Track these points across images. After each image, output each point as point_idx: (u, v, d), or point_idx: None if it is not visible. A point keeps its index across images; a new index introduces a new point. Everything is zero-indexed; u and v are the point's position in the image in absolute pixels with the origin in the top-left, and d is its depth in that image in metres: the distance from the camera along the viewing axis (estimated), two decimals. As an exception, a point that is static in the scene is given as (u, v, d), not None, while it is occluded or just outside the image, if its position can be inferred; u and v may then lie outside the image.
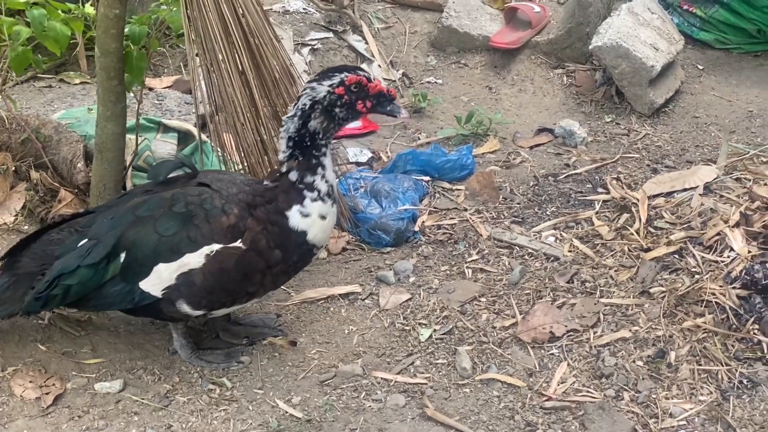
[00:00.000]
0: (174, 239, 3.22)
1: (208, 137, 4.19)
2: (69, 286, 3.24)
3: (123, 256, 3.23)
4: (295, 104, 3.26)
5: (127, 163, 4.20)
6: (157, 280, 3.23)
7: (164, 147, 4.43)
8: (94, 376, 3.37)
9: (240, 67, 3.79)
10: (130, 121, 4.13)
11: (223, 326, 3.61)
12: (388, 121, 5.23)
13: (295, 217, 3.28)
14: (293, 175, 3.29)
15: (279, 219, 3.28)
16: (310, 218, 3.29)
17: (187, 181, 3.41)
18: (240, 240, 3.24)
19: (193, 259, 3.21)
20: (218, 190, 3.30)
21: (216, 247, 3.22)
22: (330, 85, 3.23)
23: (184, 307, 3.26)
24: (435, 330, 3.54)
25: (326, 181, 3.31)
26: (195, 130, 4.37)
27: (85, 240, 3.29)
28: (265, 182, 3.37)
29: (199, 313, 3.30)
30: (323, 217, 3.31)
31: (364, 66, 5.71)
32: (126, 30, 3.84)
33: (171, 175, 3.45)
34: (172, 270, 3.22)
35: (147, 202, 3.30)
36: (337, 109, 3.25)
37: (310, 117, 3.23)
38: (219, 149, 3.94)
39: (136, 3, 5.30)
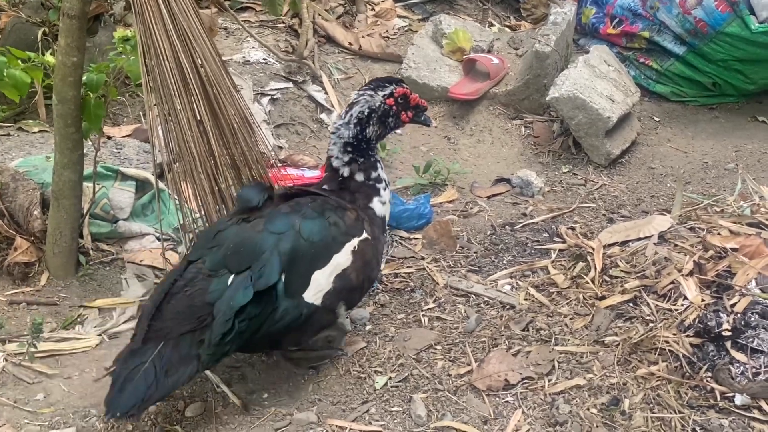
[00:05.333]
0: (321, 244, 3.36)
1: (166, 185, 4.19)
2: (251, 317, 3.21)
3: (283, 274, 3.29)
4: (348, 112, 3.58)
5: (84, 211, 4.19)
6: (317, 289, 3.35)
7: (122, 195, 4.43)
8: (47, 424, 3.34)
9: (198, 116, 3.80)
10: (88, 169, 4.13)
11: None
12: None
13: (377, 206, 3.65)
14: (360, 176, 3.62)
15: (369, 211, 3.61)
16: (386, 205, 3.70)
17: (275, 202, 3.51)
18: (364, 231, 3.50)
19: (342, 258, 3.41)
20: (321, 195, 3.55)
21: (355, 241, 3.45)
22: (383, 96, 3.59)
23: (342, 310, 3.48)
24: (390, 378, 3.53)
25: (384, 172, 3.70)
26: (153, 179, 4.37)
27: (232, 276, 3.24)
28: (325, 187, 3.64)
29: (348, 312, 3.62)
30: (391, 201, 3.78)
31: (323, 116, 5.75)
32: (84, 78, 3.86)
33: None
34: (327, 274, 3.37)
35: (272, 220, 3.36)
36: (389, 119, 3.64)
37: (368, 124, 3.57)
38: (176, 197, 3.94)
39: (96, 52, 5.31)
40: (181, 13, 3.70)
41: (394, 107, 3.61)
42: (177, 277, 3.33)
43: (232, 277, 3.24)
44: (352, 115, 3.56)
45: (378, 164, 3.65)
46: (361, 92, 3.61)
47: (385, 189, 3.66)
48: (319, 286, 3.34)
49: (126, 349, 3.26)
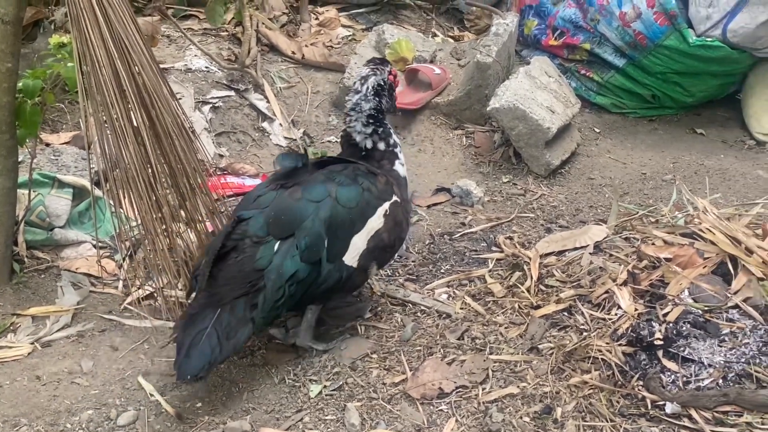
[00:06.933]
0: (357, 209, 3.59)
1: (103, 193, 4.17)
2: (299, 281, 3.45)
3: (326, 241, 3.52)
4: (363, 84, 3.82)
5: (19, 218, 4.15)
6: (355, 251, 3.59)
7: (59, 202, 4.40)
8: (-25, 433, 3.32)
9: (135, 123, 3.78)
10: (24, 176, 4.10)
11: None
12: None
13: (399, 168, 3.91)
14: (382, 145, 3.86)
15: (394, 174, 3.85)
16: (404, 166, 3.95)
17: (309, 170, 3.69)
18: (394, 194, 3.73)
19: (375, 222, 3.64)
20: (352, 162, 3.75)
21: (386, 204, 3.69)
22: (388, 71, 3.88)
23: (374, 269, 3.72)
24: (325, 386, 3.53)
25: (396, 136, 3.96)
26: (90, 186, 4.34)
27: (278, 242, 3.45)
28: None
29: (380, 273, 3.97)
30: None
31: (265, 125, 5.74)
32: (20, 84, 3.83)
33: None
34: (363, 238, 3.61)
35: (309, 189, 3.55)
36: (393, 93, 3.93)
37: (382, 95, 3.83)
38: (112, 204, 3.91)
39: (35, 58, 5.27)
40: (118, 21, 3.68)
41: (393, 83, 3.93)
42: (224, 241, 3.50)
43: (277, 243, 3.45)
44: (368, 87, 3.80)
45: (391, 130, 3.91)
46: (372, 66, 3.86)
47: (400, 152, 3.92)
48: (357, 249, 3.59)
49: (185, 314, 3.47)
